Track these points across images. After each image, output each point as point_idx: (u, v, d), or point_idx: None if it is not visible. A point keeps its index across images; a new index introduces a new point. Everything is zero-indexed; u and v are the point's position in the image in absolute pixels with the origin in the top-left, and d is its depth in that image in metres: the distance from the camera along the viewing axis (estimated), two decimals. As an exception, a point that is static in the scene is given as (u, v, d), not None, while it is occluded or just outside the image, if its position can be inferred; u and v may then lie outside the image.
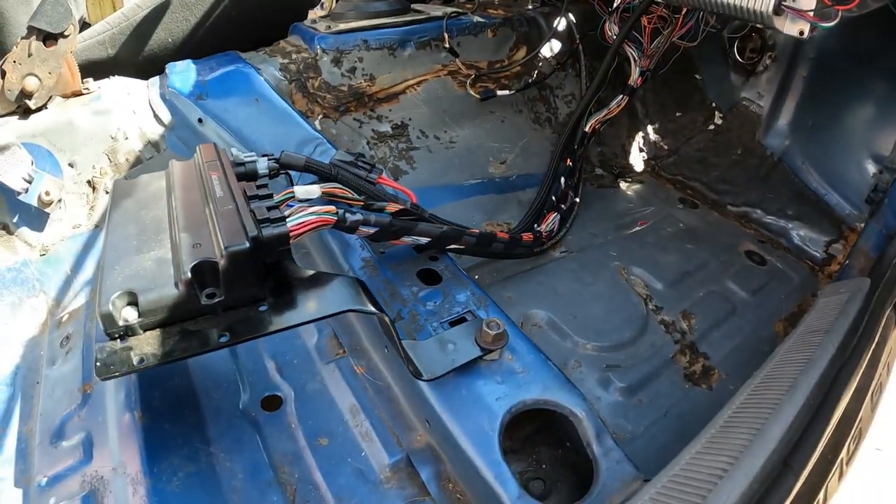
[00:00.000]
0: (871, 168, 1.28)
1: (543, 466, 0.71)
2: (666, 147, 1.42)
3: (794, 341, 0.75)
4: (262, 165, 0.82)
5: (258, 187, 0.73)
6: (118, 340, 0.60)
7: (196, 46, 1.31)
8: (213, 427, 0.78)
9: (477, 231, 0.83)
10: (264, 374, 0.85)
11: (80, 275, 1.06)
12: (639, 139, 1.42)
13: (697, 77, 1.47)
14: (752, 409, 0.61)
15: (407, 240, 0.76)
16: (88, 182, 1.07)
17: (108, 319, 0.58)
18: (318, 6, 1.72)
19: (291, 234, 0.66)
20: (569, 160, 1.16)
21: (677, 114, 1.45)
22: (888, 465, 1.54)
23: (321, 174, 0.84)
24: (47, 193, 1.04)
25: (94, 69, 1.28)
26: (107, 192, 1.08)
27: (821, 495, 0.75)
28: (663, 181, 1.36)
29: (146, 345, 0.60)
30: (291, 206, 0.75)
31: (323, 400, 0.81)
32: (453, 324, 0.73)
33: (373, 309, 0.64)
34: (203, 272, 0.61)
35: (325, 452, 0.75)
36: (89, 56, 1.28)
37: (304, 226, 0.67)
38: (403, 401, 0.76)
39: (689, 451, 0.58)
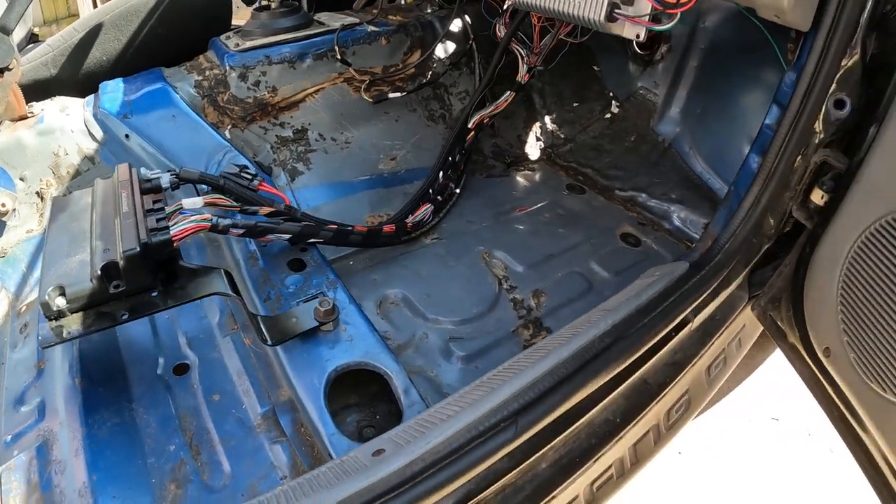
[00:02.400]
0: (751, 154, 1.57)
1: (377, 417, 1.08)
2: (563, 136, 1.74)
3: (582, 319, 1.06)
4: (165, 181, 1.20)
5: (154, 202, 1.11)
6: (54, 321, 0.98)
7: (129, 62, 1.69)
8: (137, 389, 1.17)
9: (335, 226, 1.19)
10: (177, 347, 1.24)
11: (35, 272, 1.45)
12: (536, 129, 1.75)
13: (596, 68, 1.77)
14: (503, 373, 0.89)
15: (272, 237, 1.13)
16: (37, 193, 1.46)
17: (46, 306, 0.96)
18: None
19: (174, 238, 1.03)
20: (456, 155, 1.51)
21: (575, 104, 1.76)
22: (785, 433, 1.89)
23: (213, 185, 1.21)
24: (3, 205, 1.44)
25: (39, 88, 1.67)
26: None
27: (620, 455, 1.03)
28: (557, 168, 1.68)
29: (73, 323, 0.99)
30: (184, 213, 1.13)
31: (219, 366, 1.19)
32: (307, 302, 1.11)
33: (231, 293, 1.01)
34: (110, 270, 0.99)
35: (216, 406, 1.12)
36: (34, 76, 1.66)
37: (184, 232, 1.04)
38: (275, 365, 1.14)
39: (444, 402, 0.91)
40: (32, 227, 1.47)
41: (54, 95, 1.62)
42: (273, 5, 1.59)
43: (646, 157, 1.67)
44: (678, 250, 1.51)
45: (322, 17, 1.68)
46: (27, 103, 1.54)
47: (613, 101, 1.75)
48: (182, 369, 1.19)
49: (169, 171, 1.22)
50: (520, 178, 1.63)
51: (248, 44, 1.51)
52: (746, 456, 1.81)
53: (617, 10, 1.17)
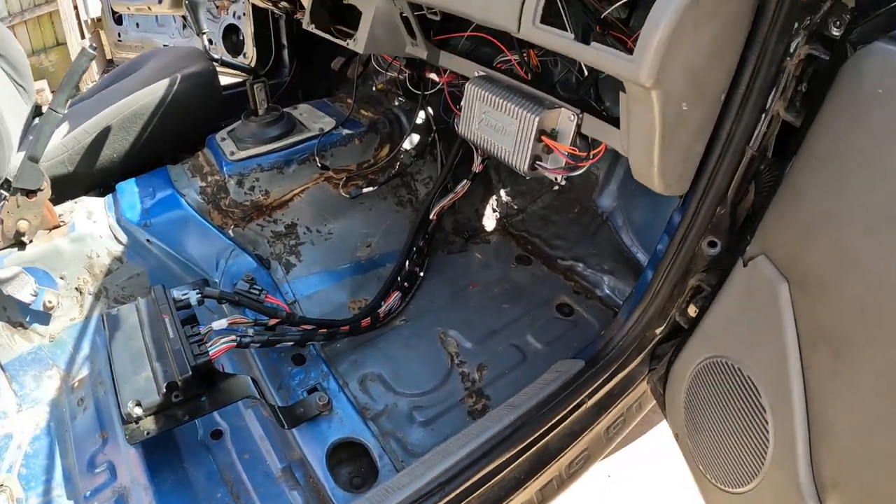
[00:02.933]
0: (672, 233, 2.13)
1: (362, 469, 1.73)
2: (516, 206, 2.29)
3: (493, 413, 1.53)
4: (193, 299, 1.79)
5: (191, 322, 1.72)
6: (134, 423, 1.62)
7: (136, 157, 2.22)
8: (185, 452, 1.78)
9: (325, 329, 1.81)
10: (212, 417, 1.87)
11: (80, 353, 2.04)
12: (492, 202, 2.30)
13: (544, 145, 2.32)
14: (436, 455, 1.42)
15: (278, 346, 1.76)
16: (76, 288, 2.04)
17: (129, 416, 1.57)
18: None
19: (212, 358, 1.66)
20: (420, 241, 2.11)
21: (527, 177, 2.32)
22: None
23: (230, 301, 1.82)
24: (49, 301, 2.02)
25: (60, 182, 2.19)
26: (90, 294, 2.07)
27: (528, 497, 1.49)
28: (510, 238, 2.25)
29: (149, 424, 1.58)
30: (214, 335, 1.74)
31: (246, 432, 1.80)
32: (309, 391, 1.75)
33: (257, 395, 1.65)
34: (171, 387, 1.61)
35: (247, 462, 1.75)
36: (54, 173, 2.19)
37: (218, 352, 1.65)
38: (289, 435, 1.79)
39: (401, 473, 1.49)
40: (74, 316, 2.06)
41: (73, 187, 2.19)
42: (261, 112, 2.14)
43: (586, 227, 2.18)
44: (606, 317, 2.01)
45: (303, 111, 2.23)
46: (52, 201, 2.11)
47: (563, 175, 2.32)
48: (217, 434, 1.80)
49: (193, 285, 1.83)
50: (476, 253, 2.20)
51: (242, 154, 2.05)
52: (674, 477, 2.22)
53: (538, 162, 1.64)
